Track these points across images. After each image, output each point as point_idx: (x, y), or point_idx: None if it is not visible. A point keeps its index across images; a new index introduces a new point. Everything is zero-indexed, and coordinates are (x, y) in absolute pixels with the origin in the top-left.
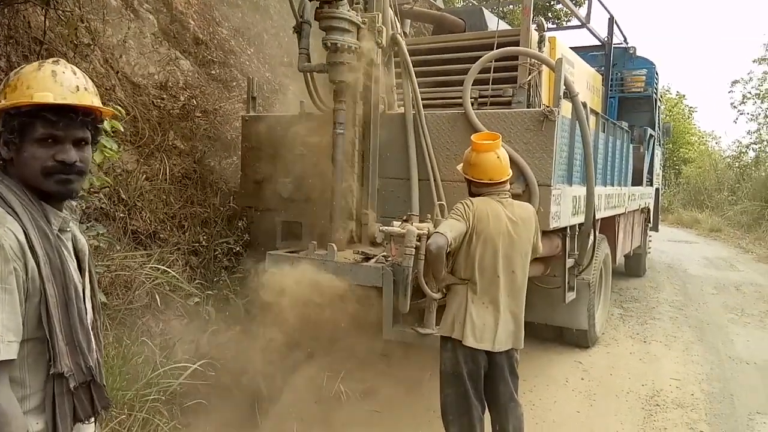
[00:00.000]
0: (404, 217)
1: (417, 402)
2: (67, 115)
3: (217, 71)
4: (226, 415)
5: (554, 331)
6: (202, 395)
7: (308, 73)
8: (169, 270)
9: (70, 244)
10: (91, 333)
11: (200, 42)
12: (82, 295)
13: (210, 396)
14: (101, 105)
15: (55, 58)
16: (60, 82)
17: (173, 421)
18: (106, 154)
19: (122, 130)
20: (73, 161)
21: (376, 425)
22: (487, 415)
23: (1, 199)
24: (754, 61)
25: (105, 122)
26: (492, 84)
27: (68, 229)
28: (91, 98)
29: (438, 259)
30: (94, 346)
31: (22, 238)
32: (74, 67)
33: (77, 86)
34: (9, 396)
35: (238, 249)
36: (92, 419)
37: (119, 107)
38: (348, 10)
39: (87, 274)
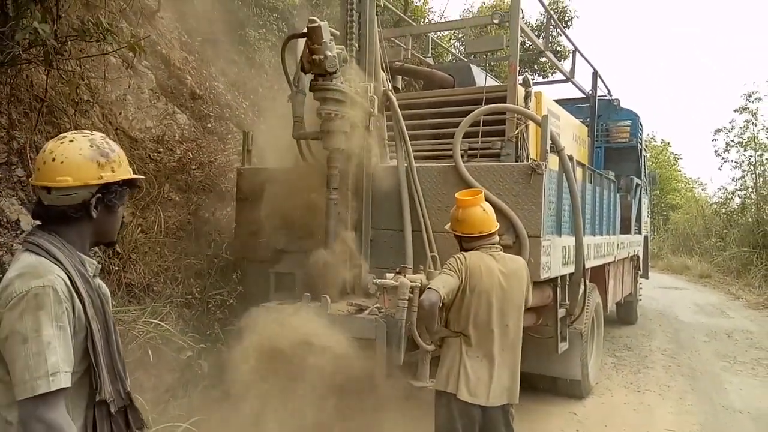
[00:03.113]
0: (397, 269)
1: None
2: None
3: (213, 124)
4: None
5: (548, 382)
6: None
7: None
8: (161, 324)
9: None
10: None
11: (197, 96)
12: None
13: None
14: None
15: (102, 136)
16: (125, 159)
17: None
18: None
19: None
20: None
21: None
22: None
23: (46, 252)
24: (735, 111)
25: None
26: (481, 137)
27: (96, 275)
28: None
29: (431, 315)
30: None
31: (68, 282)
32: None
33: None
34: (68, 419)
35: (231, 301)
36: None
37: None
38: (341, 82)
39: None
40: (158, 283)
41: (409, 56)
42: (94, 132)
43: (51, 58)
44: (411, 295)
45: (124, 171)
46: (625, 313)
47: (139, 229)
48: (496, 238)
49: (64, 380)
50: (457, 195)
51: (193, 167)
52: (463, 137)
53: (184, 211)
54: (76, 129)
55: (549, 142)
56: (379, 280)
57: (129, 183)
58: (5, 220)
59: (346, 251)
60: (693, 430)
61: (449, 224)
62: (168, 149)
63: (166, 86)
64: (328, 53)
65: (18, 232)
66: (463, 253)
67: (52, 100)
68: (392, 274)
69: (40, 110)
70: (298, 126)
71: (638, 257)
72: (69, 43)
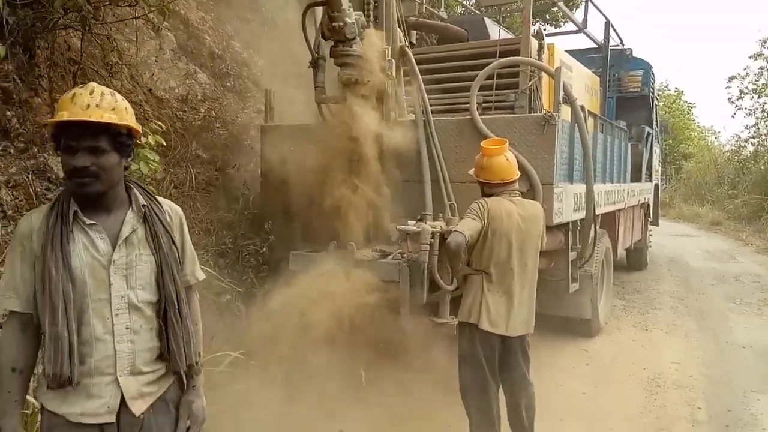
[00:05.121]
0: (418, 217)
1: (435, 384)
2: (77, 128)
3: (233, 83)
4: (262, 396)
5: (560, 321)
6: (241, 382)
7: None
8: (203, 267)
9: (99, 236)
10: (65, 313)
11: (216, 56)
12: (103, 282)
13: (250, 382)
14: (113, 120)
15: (85, 84)
16: (75, 102)
17: (214, 405)
18: (151, 166)
19: (164, 144)
20: (81, 165)
21: (398, 406)
22: (501, 394)
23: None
24: (750, 57)
25: (143, 137)
26: (495, 90)
27: (90, 222)
28: (101, 114)
29: (457, 255)
30: (61, 319)
31: (36, 225)
32: (99, 89)
33: (88, 104)
34: (7, 334)
35: (263, 250)
36: (65, 386)
37: (159, 123)
38: (360, 48)
39: (125, 265)
40: (193, 235)
41: (423, 10)
42: (81, 85)
43: (87, 23)
44: (432, 240)
45: (59, 115)
46: (635, 259)
47: (172, 185)
48: (516, 185)
49: (4, 303)
50: (482, 143)
51: (217, 125)
52: (478, 90)
53: (212, 168)
54: None
55: (562, 93)
56: (402, 226)
57: (58, 129)
58: (54, 176)
59: (369, 202)
60: (697, 363)
61: (473, 170)
62: (192, 108)
63: (186, 46)
64: (347, 20)
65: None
66: (485, 198)
67: (84, 63)
68: (414, 222)
69: (75, 73)
70: (320, 91)
71: (648, 205)
72: (102, 8)
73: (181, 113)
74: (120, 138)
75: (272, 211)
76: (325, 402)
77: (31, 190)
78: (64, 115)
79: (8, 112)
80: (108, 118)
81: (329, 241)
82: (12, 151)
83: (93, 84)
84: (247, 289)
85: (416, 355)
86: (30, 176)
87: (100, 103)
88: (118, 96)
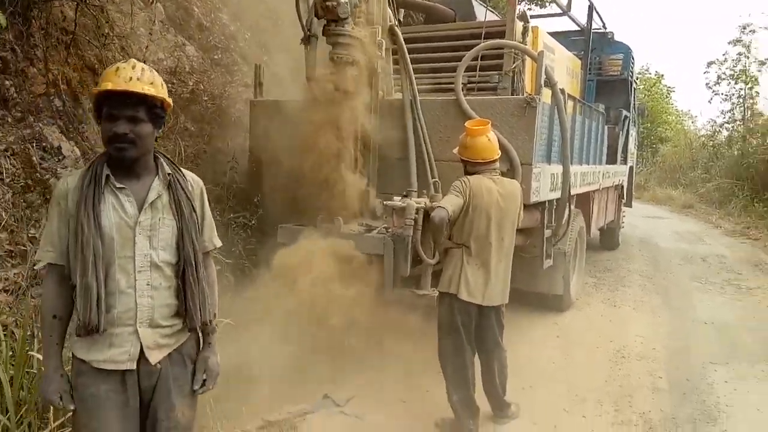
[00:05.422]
0: (404, 193)
1: (415, 351)
2: (119, 98)
3: (220, 56)
4: (250, 361)
5: (533, 297)
6: (230, 347)
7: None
8: None
9: (128, 199)
10: (93, 266)
11: (203, 28)
12: (128, 239)
13: (239, 348)
14: (151, 92)
15: (128, 59)
16: (119, 75)
17: None
18: None
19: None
20: (122, 132)
21: (380, 371)
22: (477, 359)
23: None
24: (729, 43)
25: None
26: (479, 71)
27: (120, 186)
28: (141, 86)
29: (439, 229)
30: (91, 271)
31: (72, 186)
32: (139, 64)
33: (130, 77)
34: (50, 290)
35: (252, 223)
36: (92, 333)
37: None
38: (352, 27)
39: (149, 227)
40: None
41: None
42: (124, 60)
43: None
44: (416, 215)
45: (104, 85)
46: (607, 239)
47: None
48: (497, 164)
49: (44, 256)
50: (466, 124)
51: (205, 98)
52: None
53: (200, 141)
54: (99, 62)
55: (543, 77)
56: (388, 202)
57: (101, 98)
58: (49, 146)
59: (356, 178)
60: (661, 336)
61: (457, 149)
62: (180, 81)
63: (174, 17)
64: (341, 0)
65: (60, 157)
66: (467, 176)
67: (78, 33)
68: (399, 198)
69: (69, 44)
70: (311, 68)
71: (623, 186)
72: None
73: (169, 85)
74: (155, 110)
75: (260, 185)
76: (310, 368)
77: (33, 158)
78: (109, 86)
79: (6, 82)
80: (147, 90)
81: (316, 215)
82: (9, 120)
83: (134, 60)
84: (235, 260)
85: (398, 324)
86: (31, 145)
87: (141, 77)
88: (155, 72)
